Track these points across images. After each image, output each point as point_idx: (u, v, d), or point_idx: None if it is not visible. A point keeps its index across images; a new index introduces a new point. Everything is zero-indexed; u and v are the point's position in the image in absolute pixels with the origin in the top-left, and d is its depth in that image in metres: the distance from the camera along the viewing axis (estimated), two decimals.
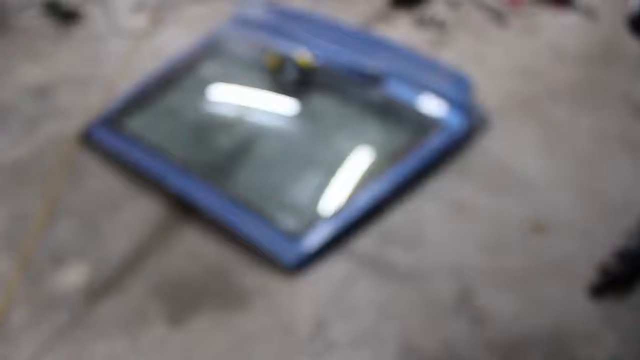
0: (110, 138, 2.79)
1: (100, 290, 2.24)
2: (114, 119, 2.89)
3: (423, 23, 3.72)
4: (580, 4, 3.86)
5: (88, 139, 2.85)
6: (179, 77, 3.15)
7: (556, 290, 2.23)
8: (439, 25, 3.69)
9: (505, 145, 2.83)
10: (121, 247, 2.39)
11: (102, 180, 2.68)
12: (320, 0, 3.98)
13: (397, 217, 2.49)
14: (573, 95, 3.14)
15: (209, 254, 2.36)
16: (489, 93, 3.05)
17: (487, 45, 3.53)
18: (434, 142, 2.67)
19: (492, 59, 3.41)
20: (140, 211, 2.53)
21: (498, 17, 3.77)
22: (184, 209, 2.51)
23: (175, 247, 2.39)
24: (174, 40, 3.50)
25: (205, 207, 2.44)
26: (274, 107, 2.95)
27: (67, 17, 3.75)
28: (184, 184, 2.53)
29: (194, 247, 2.39)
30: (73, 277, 2.29)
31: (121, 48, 3.52)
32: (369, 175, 2.55)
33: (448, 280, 2.26)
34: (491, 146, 2.82)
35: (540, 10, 3.84)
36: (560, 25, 3.72)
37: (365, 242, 2.40)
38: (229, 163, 2.67)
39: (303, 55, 2.96)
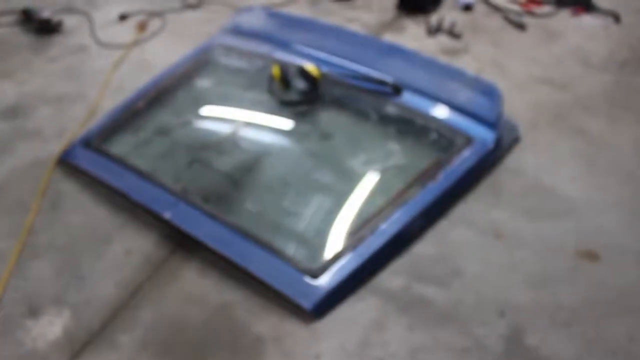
0: (94, 162, 2.44)
1: (82, 343, 1.87)
2: (98, 141, 2.54)
3: (435, 31, 3.44)
4: (601, 7, 3.62)
5: (68, 164, 2.50)
6: (170, 94, 2.82)
7: (619, 327, 1.90)
8: (452, 33, 3.41)
9: (539, 162, 2.53)
10: (107, 290, 2.03)
11: (84, 211, 2.32)
12: (322, 10, 3.71)
13: (427, 247, 2.17)
14: (607, 105, 2.86)
15: (211, 296, 2.00)
16: (514, 105, 2.76)
17: (507, 53, 3.26)
18: (463, 160, 2.35)
19: (514, 67, 3.13)
20: (129, 247, 2.17)
21: (515, 21, 3.50)
22: (181, 243, 2.16)
23: (171, 289, 2.03)
24: (164, 54, 3.18)
25: (206, 240, 2.09)
26: (279, 124, 2.63)
27: (45, 27, 3.41)
28: (179, 213, 2.18)
29: (194, 289, 2.03)
30: (50, 328, 1.92)
31: (105, 62, 3.18)
32: (393, 201, 2.20)
33: (493, 319, 1.93)
34: (524, 163, 2.52)
35: (560, 14, 3.59)
36: (582, 30, 3.47)
37: (393, 277, 2.06)
38: (231, 189, 2.33)
39: (312, 65, 2.64)
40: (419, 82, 2.62)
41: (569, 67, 3.13)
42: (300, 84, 2.67)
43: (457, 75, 2.67)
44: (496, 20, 3.54)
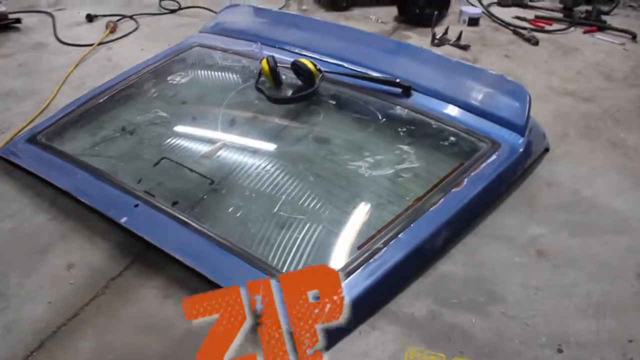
0: (38, 159, 1.98)
1: None
2: (46, 137, 2.09)
3: (440, 41, 3.12)
4: (614, 26, 3.38)
5: (8, 162, 2.03)
6: (140, 91, 2.42)
7: None
8: (459, 44, 3.10)
9: (575, 174, 2.15)
10: (37, 312, 1.52)
11: (20, 215, 1.83)
12: None
13: (455, 266, 1.72)
14: (639, 118, 2.52)
15: (176, 322, 1.50)
16: (539, 115, 2.39)
17: (521, 65, 2.94)
18: (489, 165, 1.94)
19: (530, 78, 2.81)
20: (72, 259, 1.68)
21: (527, 36, 3.23)
22: (140, 255, 1.69)
23: (123, 313, 1.53)
24: (134, 55, 2.82)
25: (172, 251, 1.61)
26: (269, 123, 2.20)
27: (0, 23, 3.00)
28: (139, 218, 1.71)
29: (154, 313, 1.53)
30: None
31: (65, 60, 2.78)
32: (410, 209, 1.77)
33: (549, 356, 1.47)
34: (558, 174, 2.14)
35: (571, 32, 3.33)
36: (599, 47, 3.22)
37: (415, 301, 1.60)
38: (207, 191, 1.87)
39: (307, 60, 2.25)
40: (434, 82, 2.25)
41: (590, 81, 2.82)
42: (295, 81, 2.27)
43: (477, 74, 2.31)
44: (505, 35, 3.26)
